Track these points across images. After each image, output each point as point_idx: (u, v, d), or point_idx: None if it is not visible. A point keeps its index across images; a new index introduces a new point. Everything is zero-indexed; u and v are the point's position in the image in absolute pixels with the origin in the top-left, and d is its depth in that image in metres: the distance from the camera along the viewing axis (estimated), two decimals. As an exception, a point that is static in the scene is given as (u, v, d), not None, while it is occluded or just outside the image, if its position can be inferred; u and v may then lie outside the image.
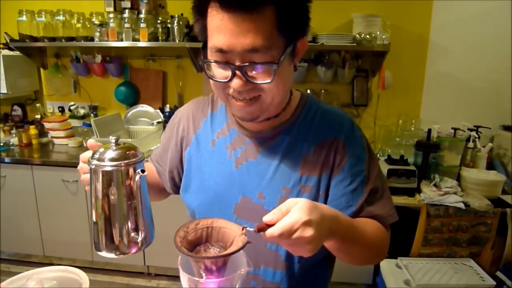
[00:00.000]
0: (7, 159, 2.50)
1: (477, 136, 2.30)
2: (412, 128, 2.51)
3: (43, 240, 2.61)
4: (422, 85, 2.56)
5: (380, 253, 0.81)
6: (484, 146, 2.30)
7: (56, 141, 2.79)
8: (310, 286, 0.85)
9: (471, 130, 2.34)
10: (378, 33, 2.28)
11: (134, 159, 0.64)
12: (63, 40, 2.61)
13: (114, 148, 0.63)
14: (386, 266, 2.03)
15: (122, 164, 0.62)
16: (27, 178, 2.49)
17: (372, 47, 2.29)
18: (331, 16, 2.48)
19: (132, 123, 2.82)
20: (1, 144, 2.74)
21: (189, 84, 2.84)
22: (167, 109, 2.83)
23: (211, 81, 0.72)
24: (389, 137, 2.53)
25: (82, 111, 2.96)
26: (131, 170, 0.63)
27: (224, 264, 0.63)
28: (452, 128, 2.36)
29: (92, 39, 2.60)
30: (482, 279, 1.90)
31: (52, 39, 2.63)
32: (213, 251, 0.66)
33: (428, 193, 2.05)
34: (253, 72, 0.67)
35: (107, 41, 2.54)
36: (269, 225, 0.58)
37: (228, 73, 0.67)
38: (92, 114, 2.94)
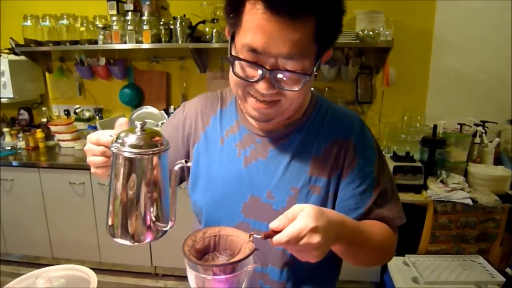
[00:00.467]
0: (14, 163, 2.53)
1: (483, 131, 2.28)
2: (418, 125, 2.49)
3: (51, 242, 2.64)
4: (427, 80, 2.55)
5: (387, 255, 0.81)
6: (491, 141, 2.28)
7: (62, 144, 2.82)
8: (318, 285, 0.85)
9: (477, 125, 2.32)
10: (381, 29, 2.27)
11: (159, 148, 0.60)
12: (67, 43, 2.64)
13: (140, 134, 0.60)
14: (394, 263, 2.02)
15: (150, 152, 0.59)
16: (35, 181, 2.52)
17: (375, 43, 2.28)
18: (333, 13, 2.47)
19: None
20: (9, 148, 2.77)
21: (192, 84, 2.85)
22: (172, 110, 2.84)
23: (232, 76, 0.71)
24: (394, 133, 2.52)
25: (87, 114, 2.98)
26: (155, 159, 0.61)
27: (233, 272, 0.63)
28: (458, 124, 2.34)
29: (96, 42, 2.62)
30: (491, 275, 1.88)
31: (57, 43, 2.66)
32: (221, 259, 0.66)
33: (435, 190, 2.04)
34: (283, 78, 0.66)
35: (110, 43, 2.55)
36: (276, 232, 0.59)
37: (257, 73, 0.66)
38: (97, 117, 2.97)
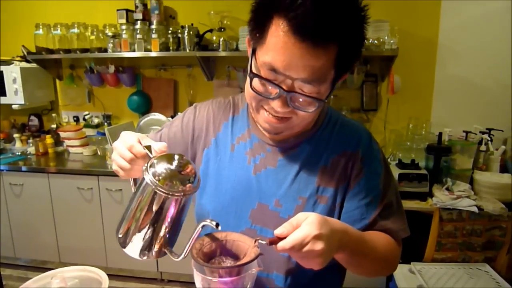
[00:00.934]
0: (24, 168, 2.57)
1: (489, 138, 2.28)
2: (423, 132, 2.49)
3: (59, 247, 2.67)
4: (432, 88, 2.55)
5: (390, 266, 0.82)
6: (497, 149, 2.27)
7: (71, 149, 2.87)
8: (322, 292, 0.86)
9: (483, 133, 2.32)
10: (386, 38, 2.29)
11: (189, 191, 0.61)
12: (77, 51, 2.70)
13: (175, 168, 0.60)
14: (399, 271, 2.00)
15: (176, 194, 0.60)
16: (44, 186, 2.56)
17: (380, 52, 2.30)
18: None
19: (144, 131, 2.87)
20: (19, 153, 2.82)
21: (200, 92, 2.89)
22: (179, 117, 2.87)
23: (248, 89, 0.72)
24: (399, 141, 2.52)
25: (96, 120, 3.03)
26: (183, 200, 0.62)
27: (238, 275, 0.65)
28: (464, 131, 2.34)
29: (105, 50, 2.67)
30: (498, 284, 1.86)
31: (67, 51, 2.72)
32: (227, 264, 0.68)
33: (440, 197, 2.04)
34: (299, 99, 0.68)
35: (120, 52, 2.61)
36: (281, 238, 0.60)
37: (273, 91, 0.68)
38: (106, 123, 3.01)
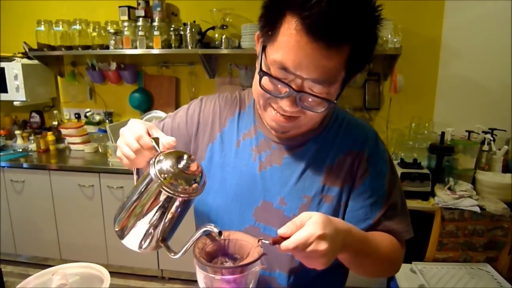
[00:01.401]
0: (25, 165, 2.57)
1: (492, 138, 2.27)
2: (425, 131, 2.49)
3: (60, 243, 2.67)
4: (435, 87, 2.54)
5: (394, 267, 0.82)
6: (499, 149, 2.26)
7: (72, 147, 2.86)
8: (325, 291, 0.85)
9: (485, 132, 2.31)
10: (389, 36, 2.28)
11: (194, 193, 0.61)
12: (79, 48, 2.69)
13: (183, 167, 0.59)
14: (401, 271, 2.00)
15: (181, 195, 0.59)
16: (45, 183, 2.56)
17: (383, 50, 2.29)
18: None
19: (146, 128, 2.87)
20: (20, 150, 2.82)
21: (201, 90, 2.88)
22: (180, 114, 2.86)
23: (256, 86, 0.71)
24: (402, 140, 2.52)
25: (97, 118, 3.03)
26: (187, 200, 0.62)
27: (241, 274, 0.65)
28: (466, 131, 2.33)
29: (107, 47, 2.66)
30: (499, 284, 1.86)
31: (69, 47, 2.71)
32: (230, 263, 0.68)
33: (443, 197, 2.03)
34: (309, 99, 0.67)
35: (121, 49, 2.60)
36: (284, 238, 0.60)
37: (283, 90, 0.67)
38: (107, 120, 3.01)
